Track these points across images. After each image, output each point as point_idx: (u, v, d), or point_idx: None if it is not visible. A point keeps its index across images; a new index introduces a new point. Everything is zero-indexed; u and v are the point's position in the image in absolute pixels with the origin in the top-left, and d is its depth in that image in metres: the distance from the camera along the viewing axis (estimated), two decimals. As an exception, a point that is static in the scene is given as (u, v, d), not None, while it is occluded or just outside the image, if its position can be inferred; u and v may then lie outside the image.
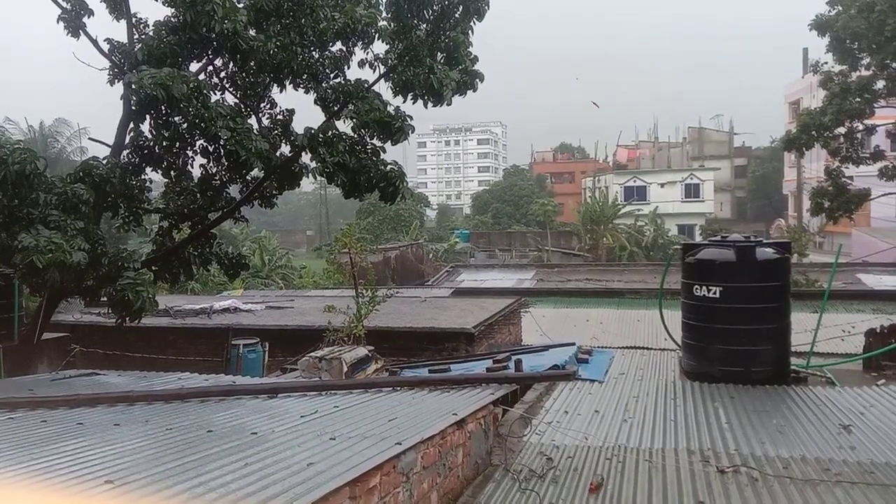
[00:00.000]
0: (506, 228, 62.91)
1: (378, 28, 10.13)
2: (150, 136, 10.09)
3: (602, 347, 11.46)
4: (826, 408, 7.25)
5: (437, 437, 4.95)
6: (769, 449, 5.88)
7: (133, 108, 9.41)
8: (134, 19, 10.27)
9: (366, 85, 10.34)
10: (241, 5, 9.72)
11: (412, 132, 10.49)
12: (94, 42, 10.09)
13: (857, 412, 6.99)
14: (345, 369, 9.60)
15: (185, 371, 9.23)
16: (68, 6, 9.96)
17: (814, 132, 22.39)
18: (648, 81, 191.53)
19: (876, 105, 21.83)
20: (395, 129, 10.11)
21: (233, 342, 12.60)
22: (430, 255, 42.86)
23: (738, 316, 8.51)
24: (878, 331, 10.18)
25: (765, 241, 9.24)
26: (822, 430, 6.48)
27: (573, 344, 10.85)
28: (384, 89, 10.48)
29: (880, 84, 21.63)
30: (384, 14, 10.24)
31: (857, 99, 21.56)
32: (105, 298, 8.94)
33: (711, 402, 7.60)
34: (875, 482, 5.09)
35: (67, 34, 10.05)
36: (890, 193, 23.79)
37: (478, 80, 10.68)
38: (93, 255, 8.27)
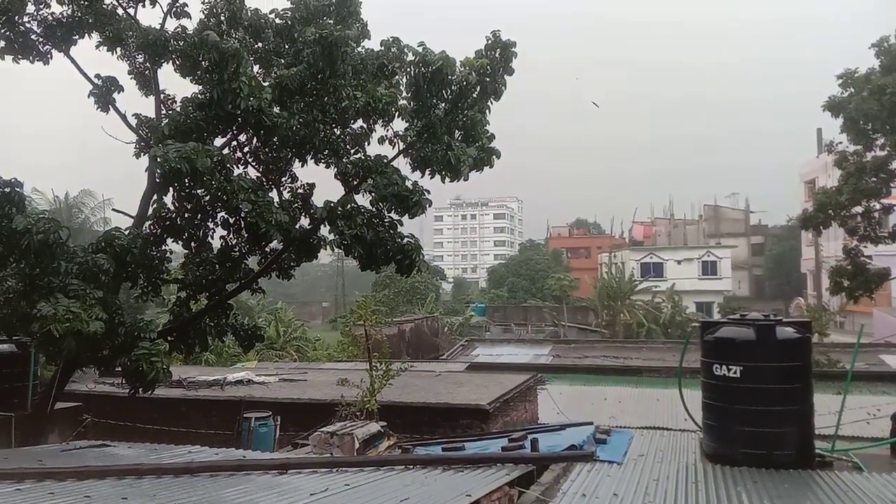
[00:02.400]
0: (521, 302, 62.75)
1: (398, 106, 10.41)
2: (172, 208, 10.29)
3: (620, 427, 11.19)
4: (854, 494, 6.98)
5: (450, 520, 4.81)
6: (796, 538, 5.64)
7: (157, 180, 9.64)
8: (162, 95, 10.62)
9: (385, 160, 10.55)
10: (266, 84, 10.04)
11: (429, 206, 10.63)
12: (123, 117, 10.43)
13: (888, 500, 6.72)
14: (356, 445, 9.43)
15: (196, 444, 9.11)
16: (100, 83, 10.34)
17: (830, 211, 22.38)
18: (664, 159, 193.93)
19: (892, 185, 21.87)
20: (413, 203, 10.25)
21: (245, 415, 12.46)
22: (446, 328, 42.65)
23: (760, 396, 8.32)
24: (905, 414, 9.90)
25: (785, 319, 9.11)
26: (852, 519, 6.22)
27: (591, 423, 10.62)
28: (403, 164, 10.70)
29: (895, 164, 21.73)
30: (404, 93, 10.53)
31: (874, 179, 21.62)
32: (119, 368, 8.93)
33: (734, 486, 7.35)
34: (909, 577, 4.84)
35: (97, 109, 10.40)
36: (910, 273, 23.54)
37: (494, 156, 10.87)
38: (110, 325, 8.32)
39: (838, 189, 22.33)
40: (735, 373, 8.39)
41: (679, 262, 62.47)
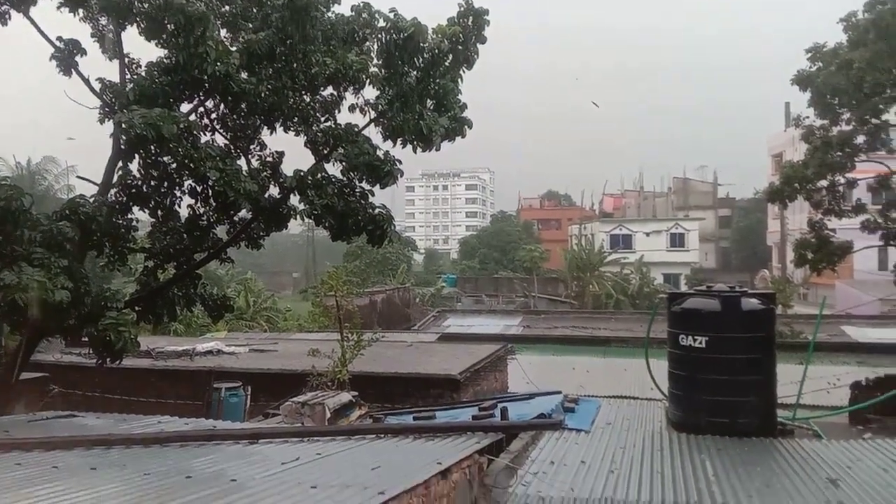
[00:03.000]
0: (493, 274, 63.06)
1: (369, 74, 10.27)
2: (138, 176, 10.08)
3: (588, 396, 11.37)
4: (813, 461, 7.19)
5: (420, 488, 4.86)
6: (756, 503, 5.81)
7: (122, 147, 9.42)
8: (126, 59, 10.35)
9: (356, 129, 10.44)
10: (233, 49, 9.83)
11: (401, 176, 10.57)
12: (86, 81, 10.14)
13: (844, 466, 6.94)
14: (328, 415, 9.46)
15: (166, 414, 9.05)
16: (61, 45, 10.03)
17: (796, 185, 22.72)
18: (635, 131, 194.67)
19: (857, 159, 22.24)
20: (384, 172, 10.18)
21: (215, 386, 12.40)
22: (417, 299, 42.71)
23: (725, 366, 8.50)
24: (863, 383, 10.22)
25: (750, 291, 9.28)
26: (810, 483, 6.42)
27: (559, 392, 10.77)
28: (374, 134, 10.58)
29: (860, 139, 22.07)
30: (375, 60, 10.39)
31: (839, 153, 21.95)
32: (86, 338, 8.80)
33: (698, 453, 7.53)
34: (864, 538, 5.02)
35: (59, 73, 10.10)
36: (872, 246, 24.07)
37: (466, 126, 10.81)
38: (75, 294, 8.17)
39: (804, 163, 22.66)
40: (701, 343, 8.56)
41: (648, 234, 63.17)
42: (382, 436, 6.87)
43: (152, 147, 8.94)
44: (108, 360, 8.69)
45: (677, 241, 62.92)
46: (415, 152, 10.49)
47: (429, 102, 10.47)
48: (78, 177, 12.87)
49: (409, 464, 5.45)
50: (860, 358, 18.26)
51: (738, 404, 8.43)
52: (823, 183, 22.62)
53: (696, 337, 8.60)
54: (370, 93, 10.53)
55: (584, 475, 6.67)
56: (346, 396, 10.23)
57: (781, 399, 9.24)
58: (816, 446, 7.89)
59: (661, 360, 9.88)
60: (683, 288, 42.27)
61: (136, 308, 10.21)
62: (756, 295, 9.05)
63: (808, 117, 23.60)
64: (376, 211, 10.48)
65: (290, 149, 11.09)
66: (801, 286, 40.94)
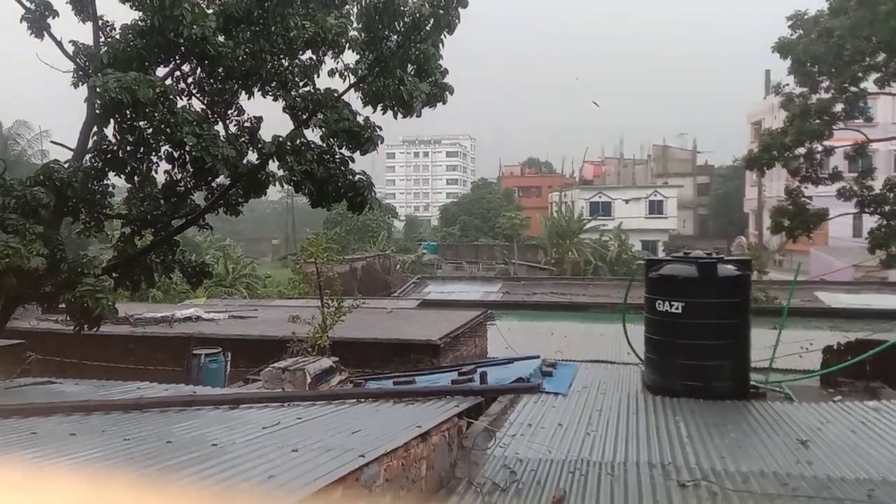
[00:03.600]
0: (473, 241, 63.16)
1: (348, 38, 10.11)
2: (113, 141, 9.92)
3: (566, 361, 11.52)
4: (784, 423, 7.38)
5: (400, 450, 4.93)
6: (729, 463, 5.96)
7: (97, 111, 9.24)
8: (100, 21, 10.10)
9: (335, 94, 10.31)
10: (210, 11, 9.63)
11: (381, 143, 10.48)
12: (59, 44, 9.90)
13: (815, 428, 7.12)
14: (308, 380, 9.50)
15: (145, 381, 9.05)
16: (32, 6, 9.77)
17: (775, 152, 22.92)
18: (616, 98, 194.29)
19: (835, 127, 22.44)
20: (364, 139, 10.10)
21: (194, 352, 12.40)
22: (398, 266, 42.75)
23: (700, 331, 8.64)
24: (835, 348, 10.43)
25: (726, 258, 9.40)
26: (781, 445, 6.59)
27: (538, 357, 10.90)
28: (354, 99, 10.46)
29: (839, 107, 22.25)
30: (355, 24, 10.22)
31: (817, 121, 22.14)
32: (63, 305, 8.74)
33: (673, 416, 7.69)
34: (831, 497, 5.19)
35: (31, 35, 9.85)
36: (847, 213, 24.42)
37: (447, 92, 10.71)
38: (51, 261, 8.09)
39: (783, 130, 22.83)
40: (677, 308, 8.68)
41: (627, 202, 63.52)
42: (363, 400, 6.93)
43: (128, 112, 8.78)
44: (85, 326, 8.63)
45: (656, 209, 63.35)
46: (395, 118, 10.40)
47: (409, 67, 10.35)
48: (52, 142, 12.62)
49: (389, 427, 5.51)
50: (833, 323, 18.60)
51: (713, 368, 8.59)
52: (801, 150, 22.85)
53: (672, 302, 8.72)
54: (350, 57, 10.39)
55: (561, 437, 6.79)
56: (326, 362, 10.27)
57: (755, 363, 9.42)
58: (788, 409, 8.08)
59: (637, 326, 10.01)
60: (661, 254, 42.69)
61: (114, 275, 10.11)
62: (732, 261, 9.17)
63: (787, 85, 23.75)
64: (356, 178, 10.41)
65: (268, 114, 10.95)
66: (777, 253, 41.49)
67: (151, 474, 3.96)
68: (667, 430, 7.09)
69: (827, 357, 10.43)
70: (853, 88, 21.76)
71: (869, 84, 22.09)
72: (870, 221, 23.86)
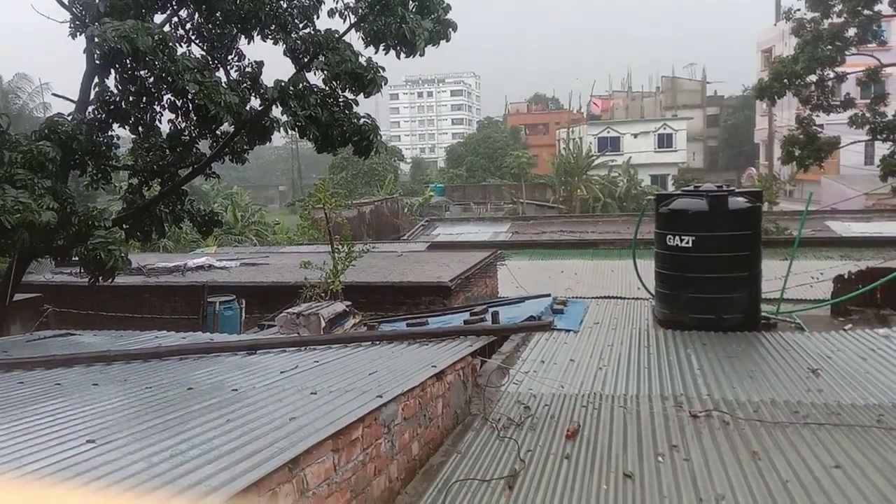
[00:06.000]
0: (480, 181, 62.86)
1: (347, -25, 9.88)
2: (115, 91, 9.83)
3: (577, 298, 11.61)
4: (795, 352, 7.44)
5: (417, 389, 5.01)
6: (740, 393, 6.04)
7: (97, 62, 9.14)
8: (94, -32, 9.88)
9: (336, 35, 10.12)
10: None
11: (385, 84, 10.33)
12: (54, -7, 9.73)
13: (825, 356, 7.18)
14: (323, 325, 9.63)
15: (162, 330, 9.19)
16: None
17: (786, 80, 22.44)
18: (624, 30, 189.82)
19: (847, 53, 21.91)
20: (368, 80, 9.94)
21: (208, 300, 12.55)
22: (405, 209, 42.74)
23: (711, 264, 8.64)
24: (845, 277, 10.43)
25: (737, 190, 9.33)
26: (791, 374, 6.66)
27: (549, 295, 10.97)
28: (355, 40, 10.27)
29: (851, 31, 21.67)
30: (354, -39, 9.97)
31: (829, 47, 21.59)
32: (76, 258, 8.81)
33: (684, 349, 7.76)
34: (841, 423, 5.26)
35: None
36: (859, 141, 24.06)
37: (451, 29, 10.50)
38: (62, 215, 8.12)
39: (794, 58, 22.30)
40: (688, 243, 8.66)
41: (635, 136, 62.73)
42: (378, 343, 7.02)
43: (128, 61, 8.67)
44: (100, 278, 8.72)
45: (665, 142, 62.57)
46: (398, 58, 10.22)
47: (411, 5, 10.13)
48: (53, 94, 12.53)
49: (404, 368, 5.59)
50: (843, 252, 18.60)
51: (724, 301, 8.62)
52: (813, 78, 22.36)
53: (683, 237, 8.70)
54: (349, -5, 10.16)
55: (574, 372, 6.89)
56: (339, 306, 10.39)
57: (766, 294, 9.46)
58: (799, 338, 8.13)
59: (648, 261, 10.03)
60: (671, 189, 42.40)
61: (124, 226, 10.17)
62: (743, 193, 9.10)
63: (798, 10, 23.06)
64: (361, 121, 10.31)
65: (269, 59, 10.79)
66: (788, 183, 41.10)
67: (174, 421, 4.06)
68: (678, 363, 7.17)
69: (838, 286, 10.44)
70: (866, 11, 21.12)
71: (883, 6, 21.43)
72: (882, 149, 23.52)
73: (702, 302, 8.64)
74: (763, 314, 9.17)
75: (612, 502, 4.17)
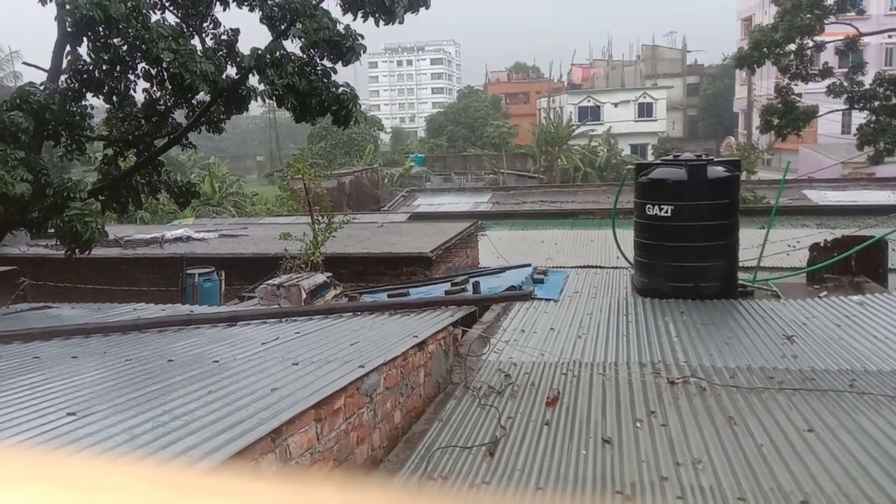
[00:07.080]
0: (461, 151, 62.60)
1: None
2: (88, 60, 9.61)
3: (557, 268, 11.66)
4: (771, 319, 7.56)
5: (398, 359, 5.04)
6: (717, 360, 6.15)
7: (69, 29, 8.92)
8: (62, -68, 9.61)
9: (314, 2, 9.96)
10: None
11: (363, 52, 10.20)
12: (21, -43, 9.46)
13: (800, 323, 7.31)
14: (303, 296, 9.59)
15: (140, 302, 9.12)
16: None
17: (765, 49, 22.49)
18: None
19: (826, 21, 21.96)
20: (346, 48, 9.81)
21: (187, 271, 12.46)
22: (386, 179, 42.53)
23: (689, 233, 8.72)
24: (821, 245, 10.57)
25: (715, 159, 9.38)
26: (767, 340, 6.78)
27: (529, 265, 11.02)
28: (333, 6, 10.10)
29: (831, 0, 21.71)
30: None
31: (808, 15, 21.64)
32: (52, 230, 8.69)
33: (662, 316, 7.86)
34: (815, 388, 5.38)
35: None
36: (837, 110, 24.25)
37: (431, -5, 10.36)
38: (36, 186, 7.98)
39: (773, 26, 22.34)
40: (666, 212, 8.72)
41: (616, 105, 62.74)
42: (359, 313, 7.03)
43: (100, 28, 8.47)
44: (76, 251, 8.61)
45: (645, 111, 62.67)
46: (377, 25, 10.07)
47: (389, -29, 9.96)
48: (24, 63, 12.24)
49: (386, 338, 5.62)
50: (820, 220, 18.81)
51: (702, 269, 8.72)
52: (792, 47, 22.44)
53: (662, 206, 8.75)
54: (326, -39, 9.98)
55: (554, 340, 6.96)
56: (320, 277, 10.35)
57: (743, 263, 9.57)
58: (774, 305, 8.26)
59: (627, 230, 10.10)
60: (651, 158, 42.59)
61: (100, 197, 10.02)
62: (721, 162, 9.15)
63: (779, -23, 23.03)
64: (340, 90, 10.18)
65: (245, 27, 10.59)
66: (766, 152, 41.40)
67: (155, 393, 4.05)
68: (656, 331, 7.27)
69: (813, 254, 10.59)
70: (846, -21, 21.19)
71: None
72: (859, 118, 23.72)
73: (680, 270, 8.73)
74: (740, 282, 9.29)
75: (591, 467, 4.25)
